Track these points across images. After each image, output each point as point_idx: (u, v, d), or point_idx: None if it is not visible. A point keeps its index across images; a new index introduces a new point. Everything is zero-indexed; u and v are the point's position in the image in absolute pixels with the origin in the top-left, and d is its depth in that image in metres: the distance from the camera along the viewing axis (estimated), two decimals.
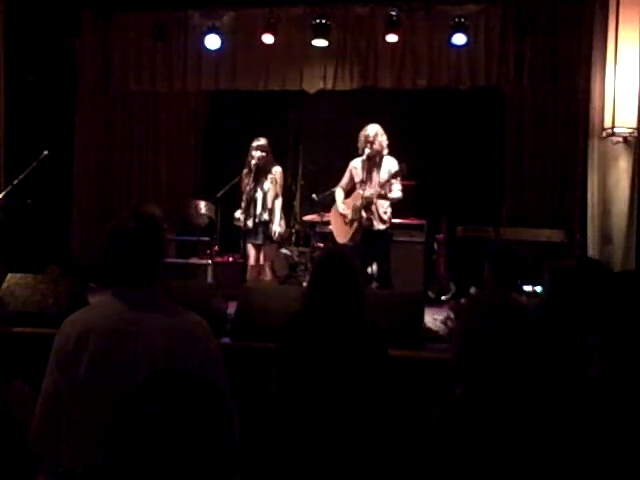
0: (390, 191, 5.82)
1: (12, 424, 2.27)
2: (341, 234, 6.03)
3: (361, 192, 5.80)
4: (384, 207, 5.85)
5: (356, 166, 5.96)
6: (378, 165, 5.85)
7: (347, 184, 6.05)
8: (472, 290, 5.94)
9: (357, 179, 5.93)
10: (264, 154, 6.11)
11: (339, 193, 6.07)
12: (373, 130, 5.80)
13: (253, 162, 6.08)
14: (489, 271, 3.47)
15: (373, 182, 5.83)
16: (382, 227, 5.85)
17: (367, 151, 5.78)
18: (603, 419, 1.49)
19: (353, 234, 5.89)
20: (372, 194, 5.73)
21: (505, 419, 3.08)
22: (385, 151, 5.86)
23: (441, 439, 3.35)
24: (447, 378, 3.44)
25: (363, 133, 5.83)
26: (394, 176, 5.77)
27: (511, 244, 5.12)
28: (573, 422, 1.50)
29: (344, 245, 5.88)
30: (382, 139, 5.82)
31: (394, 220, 6.12)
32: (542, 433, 1.53)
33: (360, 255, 5.72)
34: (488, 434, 3.12)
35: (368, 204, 5.76)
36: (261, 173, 6.18)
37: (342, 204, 6.01)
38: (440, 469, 3.21)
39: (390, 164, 5.83)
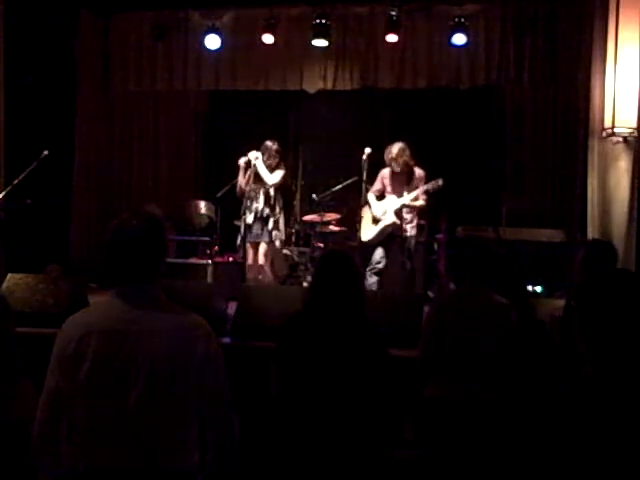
0: (416, 199, 6.15)
1: (16, 423, 2.27)
2: (365, 232, 6.30)
3: (391, 200, 6.16)
4: (410, 215, 6.20)
5: (385, 176, 6.26)
6: (407, 178, 6.14)
7: (378, 190, 6.32)
8: None
9: (388, 188, 6.25)
10: (276, 157, 6.21)
11: (371, 197, 6.30)
12: (396, 149, 6.08)
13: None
14: (450, 269, 3.43)
15: (403, 193, 6.12)
16: (408, 233, 6.19)
17: (394, 167, 6.10)
18: (595, 418, 1.49)
19: (377, 234, 6.23)
20: (401, 206, 6.08)
21: (475, 414, 3.07)
22: (412, 164, 6.14)
23: (415, 435, 3.32)
24: (416, 374, 3.41)
25: (388, 152, 6.12)
26: (423, 191, 6.12)
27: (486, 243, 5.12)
28: (565, 422, 1.50)
29: (364, 243, 6.24)
30: (405, 157, 6.08)
31: None
32: (534, 433, 1.53)
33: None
34: (462, 430, 3.11)
35: (397, 212, 6.11)
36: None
37: (376, 206, 6.26)
38: (423, 466, 3.17)
39: (419, 177, 6.14)
